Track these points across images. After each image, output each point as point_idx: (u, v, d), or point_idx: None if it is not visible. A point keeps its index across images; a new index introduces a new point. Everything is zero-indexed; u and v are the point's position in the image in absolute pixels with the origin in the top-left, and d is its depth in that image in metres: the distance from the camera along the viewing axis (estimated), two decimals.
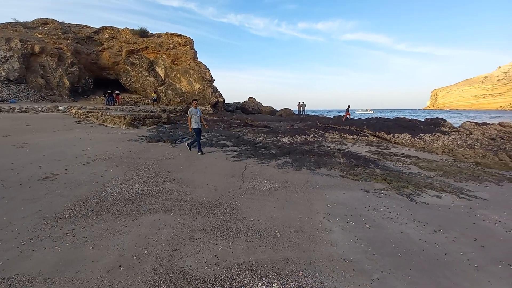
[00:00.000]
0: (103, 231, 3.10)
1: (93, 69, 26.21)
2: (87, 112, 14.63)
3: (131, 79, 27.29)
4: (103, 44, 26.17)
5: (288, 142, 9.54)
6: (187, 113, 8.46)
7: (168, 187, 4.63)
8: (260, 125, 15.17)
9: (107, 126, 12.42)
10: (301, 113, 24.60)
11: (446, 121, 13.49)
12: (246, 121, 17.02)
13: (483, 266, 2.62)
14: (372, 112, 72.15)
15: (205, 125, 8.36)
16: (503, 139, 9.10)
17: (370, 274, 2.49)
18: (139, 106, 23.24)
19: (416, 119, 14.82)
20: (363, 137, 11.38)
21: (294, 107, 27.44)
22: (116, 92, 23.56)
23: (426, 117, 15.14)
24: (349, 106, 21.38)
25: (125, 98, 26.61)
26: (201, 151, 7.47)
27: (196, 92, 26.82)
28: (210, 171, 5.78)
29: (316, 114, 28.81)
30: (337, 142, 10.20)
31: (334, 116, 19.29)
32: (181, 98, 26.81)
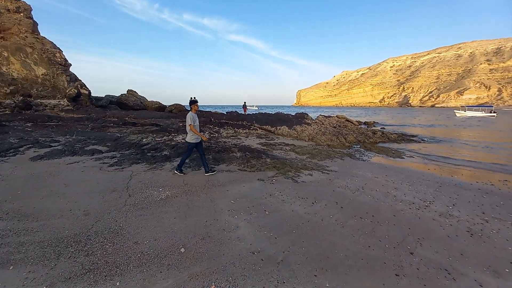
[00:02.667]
0: None
1: None
2: None
3: None
4: None
5: (183, 140, 8.84)
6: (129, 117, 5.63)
7: None
8: (146, 123, 13.14)
9: None
10: None
11: (308, 115, 17.55)
12: (127, 118, 14.22)
13: (345, 222, 3.52)
14: (257, 108, 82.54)
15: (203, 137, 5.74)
16: (340, 127, 13.07)
17: (275, 258, 2.67)
18: None
19: (289, 114, 18.27)
20: (253, 130, 12.61)
21: (185, 103, 26.10)
22: None
23: (296, 112, 19.03)
24: (245, 102, 24.16)
25: None
26: (210, 170, 5.51)
27: (40, 80, 19.22)
28: (74, 191, 4.23)
29: (209, 110, 28.92)
30: (232, 137, 10.64)
31: (227, 112, 20.10)
32: (11, 88, 18.27)
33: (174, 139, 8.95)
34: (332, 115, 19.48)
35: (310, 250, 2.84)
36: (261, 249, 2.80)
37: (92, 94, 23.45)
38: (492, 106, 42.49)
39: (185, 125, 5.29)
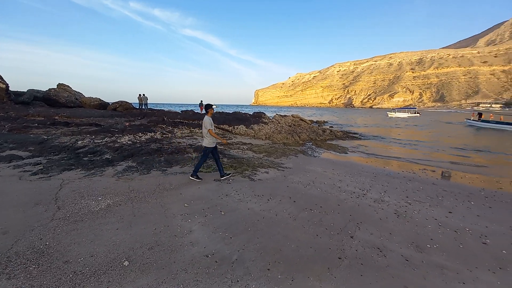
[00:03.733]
0: None
1: None
2: None
3: None
4: None
5: (129, 142, 8.01)
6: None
7: None
8: (83, 123, 11.44)
9: None
10: (142, 107, 21.84)
11: (265, 114, 18.06)
12: (57, 117, 12.14)
13: (297, 215, 3.73)
14: (216, 106, 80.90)
15: (224, 140, 5.55)
16: (295, 125, 13.82)
17: (230, 258, 2.65)
18: None
19: (247, 113, 18.47)
20: None
21: (133, 100, 23.76)
22: None
23: (253, 111, 19.36)
24: (202, 101, 23.73)
25: None
26: (226, 174, 5.38)
27: None
28: None
29: (162, 108, 26.97)
30: (187, 137, 10.15)
31: (182, 111, 19.09)
32: None
33: (119, 141, 8.04)
34: (287, 115, 20.47)
35: (265, 245, 2.90)
36: (215, 251, 2.74)
37: (13, 89, 19.23)
38: (416, 108, 51.66)
39: (202, 129, 5.13)
